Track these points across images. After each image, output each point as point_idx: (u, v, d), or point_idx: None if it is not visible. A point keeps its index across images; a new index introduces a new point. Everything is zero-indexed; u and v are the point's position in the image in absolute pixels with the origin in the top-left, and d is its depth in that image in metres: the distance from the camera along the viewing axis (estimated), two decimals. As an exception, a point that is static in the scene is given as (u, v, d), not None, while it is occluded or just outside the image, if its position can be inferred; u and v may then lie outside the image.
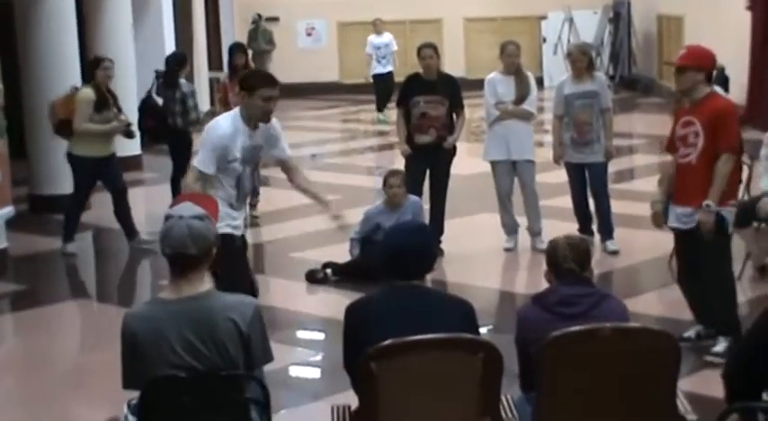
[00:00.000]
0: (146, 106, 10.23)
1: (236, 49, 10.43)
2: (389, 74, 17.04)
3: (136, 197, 11.92)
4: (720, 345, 5.91)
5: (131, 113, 10.32)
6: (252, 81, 5.62)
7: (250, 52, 10.42)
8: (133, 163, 13.16)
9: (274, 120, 5.72)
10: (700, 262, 5.90)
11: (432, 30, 21.05)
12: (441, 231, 8.31)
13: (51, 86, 10.25)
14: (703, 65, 5.76)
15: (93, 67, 8.90)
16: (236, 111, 5.64)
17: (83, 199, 9.05)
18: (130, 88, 13.24)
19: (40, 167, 10.48)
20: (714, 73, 6.07)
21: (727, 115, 5.76)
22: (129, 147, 13.16)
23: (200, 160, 5.57)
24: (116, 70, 12.74)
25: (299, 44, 22.14)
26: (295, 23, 22.30)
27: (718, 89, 7.24)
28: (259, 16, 20.23)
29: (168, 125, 9.70)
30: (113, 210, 9.07)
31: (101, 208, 10.74)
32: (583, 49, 8.50)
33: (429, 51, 8.28)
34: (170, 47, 15.52)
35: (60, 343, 6.94)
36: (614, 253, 8.26)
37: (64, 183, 10.44)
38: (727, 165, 5.67)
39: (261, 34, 19.89)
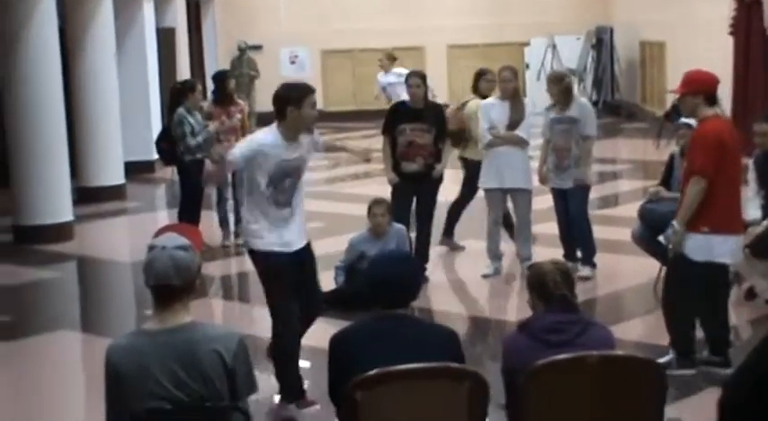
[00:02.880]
0: (165, 129, 10.16)
1: (221, 76, 10.44)
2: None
3: (119, 227, 11.94)
4: (665, 358, 5.98)
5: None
6: (298, 92, 5.63)
7: (232, 82, 10.37)
8: (117, 192, 13.16)
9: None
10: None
11: (415, 57, 21.12)
12: (426, 259, 8.30)
13: (35, 117, 10.25)
14: (698, 89, 5.82)
15: (476, 79, 9.14)
16: (272, 128, 5.63)
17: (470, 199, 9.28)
18: (114, 118, 13.27)
19: (24, 198, 10.42)
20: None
21: (700, 138, 5.81)
22: (113, 176, 13.21)
23: (233, 151, 5.75)
24: (99, 99, 12.97)
25: (282, 72, 22.16)
26: (278, 51, 22.36)
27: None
28: (245, 44, 20.16)
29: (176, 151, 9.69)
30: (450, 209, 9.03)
31: (83, 237, 10.72)
32: (553, 79, 8.50)
33: (417, 80, 8.29)
34: (153, 76, 15.55)
35: (44, 374, 6.88)
36: (585, 279, 8.15)
37: (48, 213, 10.44)
38: (693, 188, 5.73)
39: (246, 62, 19.84)
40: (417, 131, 8.18)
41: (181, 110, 9.52)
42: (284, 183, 5.66)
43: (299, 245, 5.76)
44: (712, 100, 5.84)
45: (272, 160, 5.58)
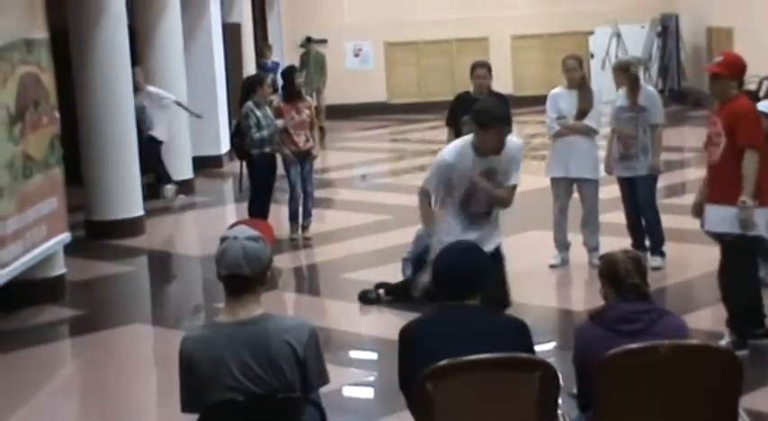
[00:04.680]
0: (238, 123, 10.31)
1: (290, 71, 10.50)
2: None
3: (188, 221, 12.11)
4: (723, 340, 6.04)
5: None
6: (486, 120, 5.90)
7: (301, 78, 10.40)
8: (186, 187, 13.32)
9: (515, 144, 6.11)
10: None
11: (478, 48, 21.03)
12: (493, 250, 8.27)
13: (106, 114, 10.42)
14: (737, 74, 6.03)
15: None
16: (469, 138, 6.00)
17: None
18: (183, 114, 13.43)
19: (96, 194, 10.60)
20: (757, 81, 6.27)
21: (745, 113, 5.96)
22: (182, 171, 13.39)
23: (427, 178, 6.20)
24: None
25: (346, 65, 22.23)
26: (342, 44, 22.41)
27: (765, 104, 7.29)
28: (308, 39, 20.13)
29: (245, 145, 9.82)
30: None
31: (154, 231, 10.89)
32: (617, 67, 8.44)
33: (483, 71, 8.26)
34: (220, 72, 15.71)
35: (119, 367, 7.01)
36: (656, 269, 8.11)
37: (118, 208, 10.62)
38: (751, 160, 5.83)
39: (313, 59, 19.67)
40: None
41: (249, 103, 9.63)
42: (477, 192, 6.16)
43: None
44: (742, 84, 6.13)
45: (457, 173, 6.13)
